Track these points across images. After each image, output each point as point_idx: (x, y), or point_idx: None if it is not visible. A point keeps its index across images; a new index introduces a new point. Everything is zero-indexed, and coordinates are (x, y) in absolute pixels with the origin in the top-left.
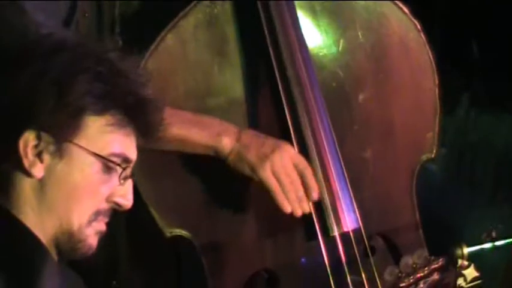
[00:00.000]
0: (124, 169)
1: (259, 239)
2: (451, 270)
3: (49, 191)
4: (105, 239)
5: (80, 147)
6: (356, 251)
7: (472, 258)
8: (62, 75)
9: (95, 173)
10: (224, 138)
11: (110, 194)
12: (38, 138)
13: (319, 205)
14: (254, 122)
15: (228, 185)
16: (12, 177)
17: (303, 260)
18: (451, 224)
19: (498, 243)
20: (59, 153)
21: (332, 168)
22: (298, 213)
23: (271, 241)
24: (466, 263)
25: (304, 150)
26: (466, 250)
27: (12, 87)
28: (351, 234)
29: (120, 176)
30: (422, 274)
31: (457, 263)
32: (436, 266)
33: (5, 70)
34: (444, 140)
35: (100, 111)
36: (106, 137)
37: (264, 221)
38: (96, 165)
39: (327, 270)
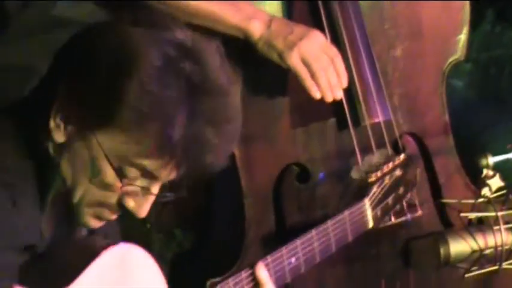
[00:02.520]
0: (128, 184)
1: (291, 130)
2: (412, 165)
3: (64, 157)
4: None
5: (99, 145)
6: (387, 142)
7: (497, 168)
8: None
9: (108, 169)
10: (255, 23)
11: (124, 193)
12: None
13: (351, 94)
14: (288, 14)
15: (260, 76)
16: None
17: (333, 153)
18: (477, 137)
19: None
20: (81, 136)
21: (364, 58)
22: (329, 99)
23: (303, 133)
24: (491, 172)
25: (336, 39)
26: (491, 160)
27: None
28: (382, 125)
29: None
30: (386, 170)
31: (482, 173)
32: (398, 162)
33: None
34: (469, 55)
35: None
36: (135, 159)
37: (295, 112)
38: (109, 167)
39: (358, 164)
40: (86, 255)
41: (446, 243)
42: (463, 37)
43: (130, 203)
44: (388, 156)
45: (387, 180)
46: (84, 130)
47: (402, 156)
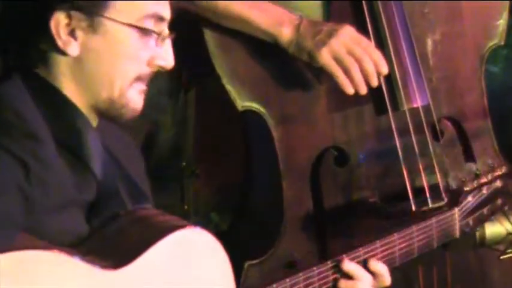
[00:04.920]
0: (159, 34)
1: (329, 114)
2: None
3: (87, 65)
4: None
5: (113, 20)
6: (425, 127)
7: None
8: None
9: (133, 41)
10: (284, 29)
11: (150, 57)
12: (69, 17)
13: (388, 79)
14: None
15: (296, 60)
16: (49, 55)
17: (371, 137)
18: None
19: None
20: (92, 28)
21: (403, 43)
22: (363, 92)
23: (341, 116)
24: None
25: (375, 26)
26: None
27: None
28: (421, 109)
29: (157, 40)
30: (485, 180)
31: None
32: (499, 173)
33: None
34: (507, 41)
35: None
36: (135, 3)
37: (334, 95)
38: (132, 33)
39: (396, 148)
40: (154, 233)
41: None
42: (502, 22)
43: (159, 61)
44: (490, 166)
45: (485, 190)
46: (92, 19)
47: (504, 168)
